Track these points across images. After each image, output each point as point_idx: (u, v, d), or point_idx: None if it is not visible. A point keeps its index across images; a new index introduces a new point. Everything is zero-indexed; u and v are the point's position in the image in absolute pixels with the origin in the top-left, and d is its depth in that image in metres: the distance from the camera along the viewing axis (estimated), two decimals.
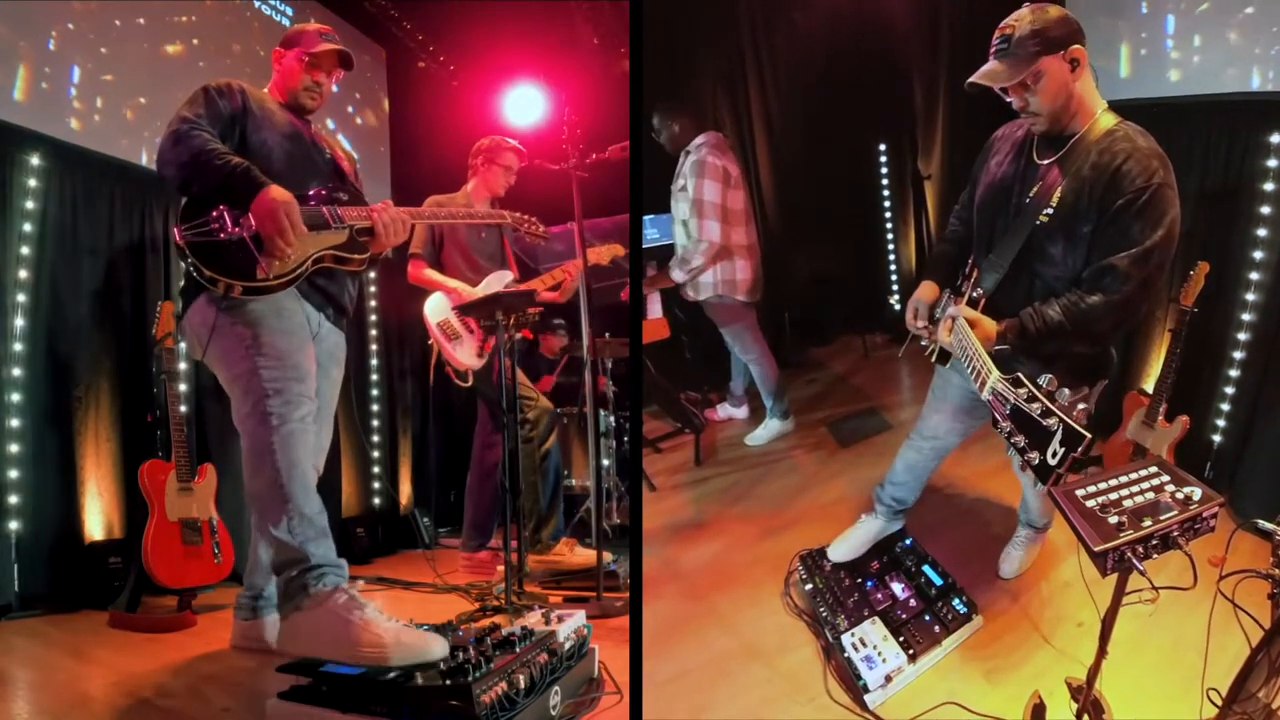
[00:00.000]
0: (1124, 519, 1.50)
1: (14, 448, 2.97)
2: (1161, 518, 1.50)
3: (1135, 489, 1.59)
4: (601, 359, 4.47)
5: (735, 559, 2.86)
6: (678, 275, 3.59)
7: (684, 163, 3.59)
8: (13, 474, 2.96)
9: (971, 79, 2.01)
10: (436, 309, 3.51)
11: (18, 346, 3.00)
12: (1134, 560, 1.47)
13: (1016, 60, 1.96)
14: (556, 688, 1.91)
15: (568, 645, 2.04)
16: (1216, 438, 3.16)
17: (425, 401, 4.94)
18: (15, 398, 2.99)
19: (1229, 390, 3.13)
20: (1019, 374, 1.56)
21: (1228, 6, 3.16)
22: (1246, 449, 3.04)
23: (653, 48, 3.71)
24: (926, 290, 2.37)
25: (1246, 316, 3.06)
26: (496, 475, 3.65)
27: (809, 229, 4.77)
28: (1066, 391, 1.49)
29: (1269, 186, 2.99)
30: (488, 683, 1.71)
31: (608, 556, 3.09)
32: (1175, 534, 1.51)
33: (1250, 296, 3.05)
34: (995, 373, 1.65)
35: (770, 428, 3.82)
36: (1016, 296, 2.08)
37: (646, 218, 4.30)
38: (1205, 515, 1.53)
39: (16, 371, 3.00)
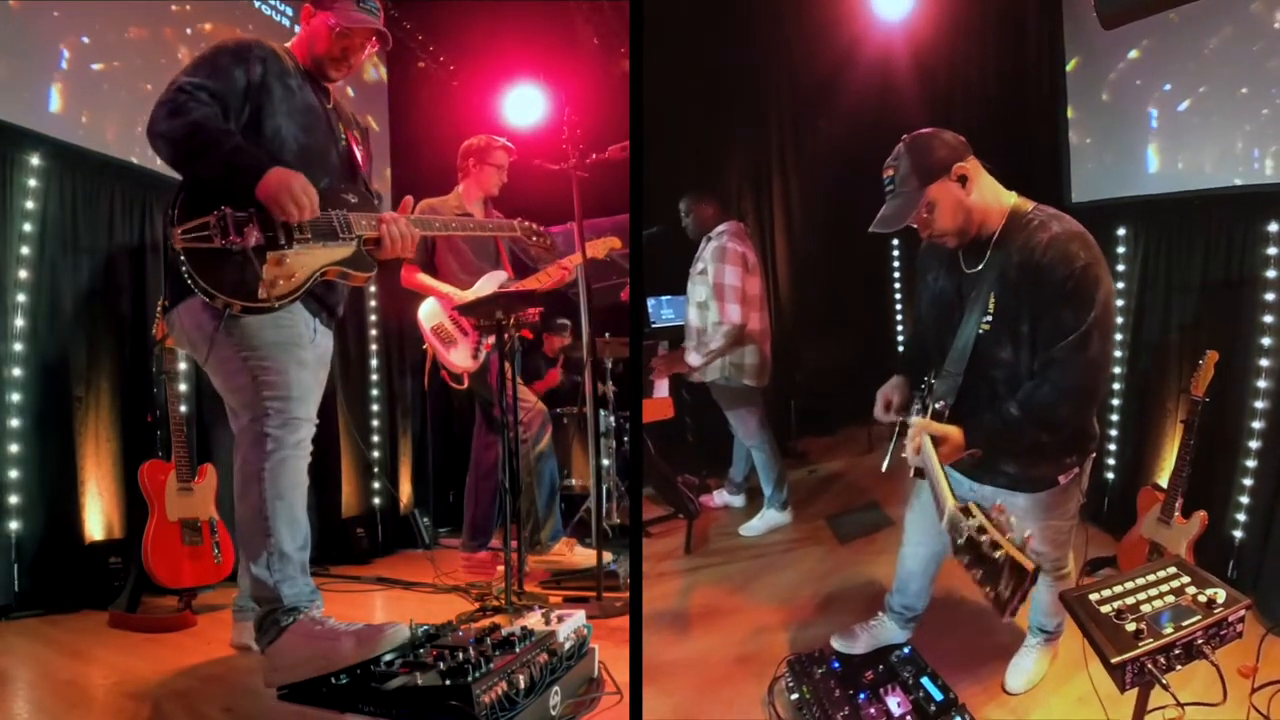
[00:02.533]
0: (1143, 626, 1.37)
1: (14, 448, 2.97)
2: (1184, 624, 1.38)
3: (1154, 592, 1.47)
4: (601, 359, 4.47)
5: (719, 659, 2.64)
6: (693, 359, 3.59)
7: (705, 248, 3.67)
8: (13, 474, 2.96)
9: (871, 227, 2.07)
10: (430, 314, 3.51)
11: (18, 346, 3.00)
12: (1155, 673, 1.34)
13: (904, 200, 2.01)
14: (556, 688, 1.91)
15: (568, 645, 2.04)
16: (1238, 533, 2.97)
17: (425, 401, 4.94)
18: (15, 398, 2.98)
19: (1247, 482, 2.97)
20: (969, 503, 1.49)
21: (1216, 104, 3.19)
22: (1269, 544, 2.84)
23: (692, 139, 4.37)
24: (897, 384, 2.35)
25: (1260, 404, 2.95)
26: (495, 476, 3.65)
27: (821, 320, 4.97)
28: (1014, 520, 1.41)
29: (1271, 274, 2.96)
30: (488, 683, 1.72)
31: (608, 556, 3.09)
32: (1200, 642, 1.38)
33: (1262, 384, 2.95)
34: (951, 502, 1.59)
35: (767, 518, 3.73)
36: (978, 401, 2.06)
37: (663, 298, 4.42)
38: (1231, 619, 1.42)
39: (16, 371, 2.99)
